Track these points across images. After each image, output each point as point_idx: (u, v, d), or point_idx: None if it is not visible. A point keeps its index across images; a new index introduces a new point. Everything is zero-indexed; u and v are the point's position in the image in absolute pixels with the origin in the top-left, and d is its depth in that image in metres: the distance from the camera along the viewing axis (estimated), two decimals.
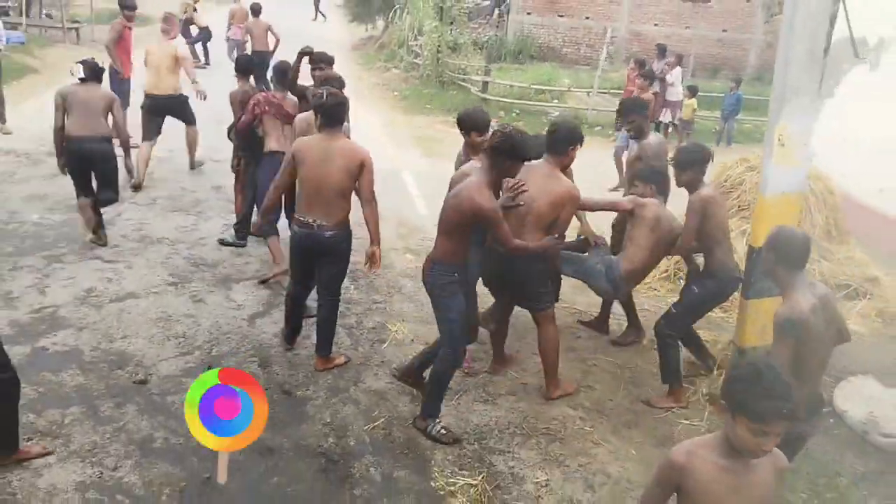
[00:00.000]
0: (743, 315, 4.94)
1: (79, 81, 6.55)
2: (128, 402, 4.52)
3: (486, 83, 15.25)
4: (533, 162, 4.60)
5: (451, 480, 4.08)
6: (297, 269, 5.07)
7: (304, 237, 4.80)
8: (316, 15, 27.91)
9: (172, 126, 8.98)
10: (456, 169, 5.11)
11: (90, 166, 6.58)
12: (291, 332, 5.27)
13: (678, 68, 14.49)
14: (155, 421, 4.37)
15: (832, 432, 4.79)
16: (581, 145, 4.86)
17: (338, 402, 4.74)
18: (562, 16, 23.67)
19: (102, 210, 6.83)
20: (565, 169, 4.87)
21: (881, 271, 6.93)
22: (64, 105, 6.42)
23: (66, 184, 6.91)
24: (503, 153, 4.05)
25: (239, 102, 6.68)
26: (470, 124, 5.09)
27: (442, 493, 4.00)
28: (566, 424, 4.71)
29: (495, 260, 4.61)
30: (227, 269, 6.60)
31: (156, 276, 6.31)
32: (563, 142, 4.76)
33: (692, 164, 4.85)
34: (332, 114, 4.74)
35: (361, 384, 4.98)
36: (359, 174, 4.70)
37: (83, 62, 6.61)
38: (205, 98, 8.79)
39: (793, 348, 3.21)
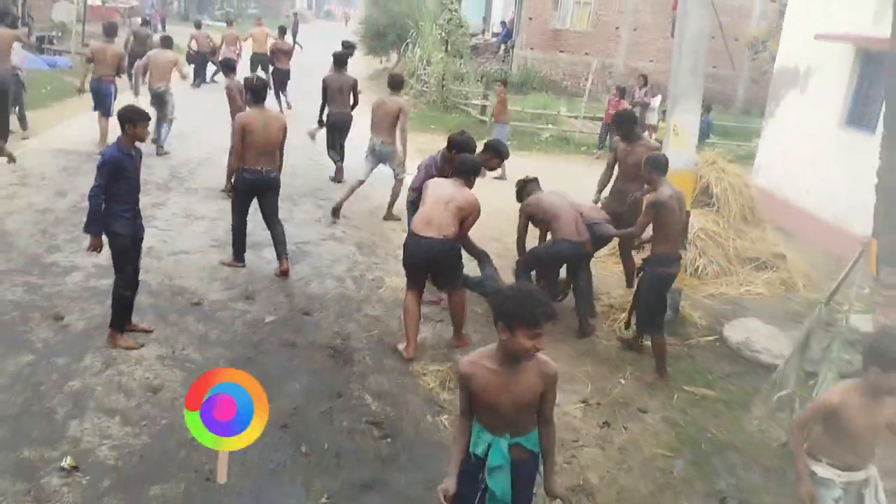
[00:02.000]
0: None
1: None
2: (187, 315, 6.14)
3: (484, 107, 17.00)
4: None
5: (425, 367, 5.63)
6: (242, 208, 7.22)
7: (256, 180, 7.02)
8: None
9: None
10: (418, 169, 6.76)
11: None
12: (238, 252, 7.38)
13: (658, 97, 16.20)
14: (208, 325, 5.98)
15: (715, 349, 6.34)
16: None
17: (343, 321, 6.32)
18: (562, 51, 25.53)
19: None
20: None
21: (792, 251, 8.46)
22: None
23: None
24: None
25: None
26: (457, 145, 6.43)
27: (416, 375, 5.55)
28: None
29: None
30: (260, 236, 8.22)
31: (201, 240, 7.95)
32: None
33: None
34: (258, 93, 7.13)
35: (361, 312, 6.57)
36: (284, 135, 7.14)
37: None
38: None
39: (653, 220, 5.36)
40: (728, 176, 8.23)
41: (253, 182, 7.07)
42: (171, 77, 11.68)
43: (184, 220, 8.56)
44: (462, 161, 5.90)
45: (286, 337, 5.92)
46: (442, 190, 5.76)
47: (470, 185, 5.81)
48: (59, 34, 22.87)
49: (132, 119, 5.35)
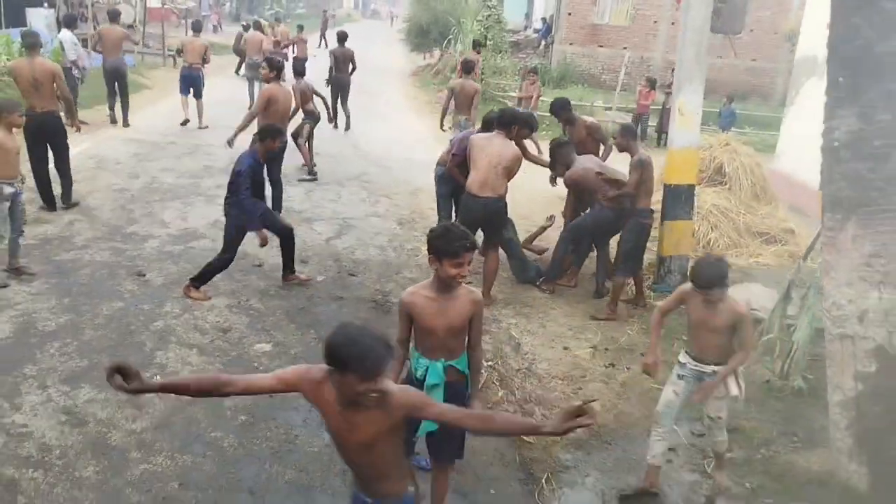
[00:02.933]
0: (662, 232, 7.23)
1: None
2: (251, 274, 7.06)
3: (520, 99, 17.71)
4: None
5: None
6: None
7: None
8: (320, 43, 30.72)
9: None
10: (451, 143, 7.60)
11: None
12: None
13: None
14: (268, 282, 6.89)
15: None
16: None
17: (384, 281, 7.18)
18: (601, 46, 26.06)
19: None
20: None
21: (804, 227, 9.04)
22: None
23: (189, 161, 9.59)
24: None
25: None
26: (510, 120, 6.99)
27: None
28: (537, 301, 7.04)
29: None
30: (310, 213, 9.15)
31: None
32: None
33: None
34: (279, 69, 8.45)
35: (400, 275, 7.42)
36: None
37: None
38: None
39: (641, 175, 6.09)
40: (740, 157, 8.87)
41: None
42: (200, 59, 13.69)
43: None
44: (502, 112, 6.86)
45: (334, 292, 6.80)
46: (490, 150, 6.49)
47: (511, 136, 6.62)
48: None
49: (273, 135, 6.47)
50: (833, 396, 4.28)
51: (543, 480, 4.41)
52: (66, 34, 12.47)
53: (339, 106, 14.32)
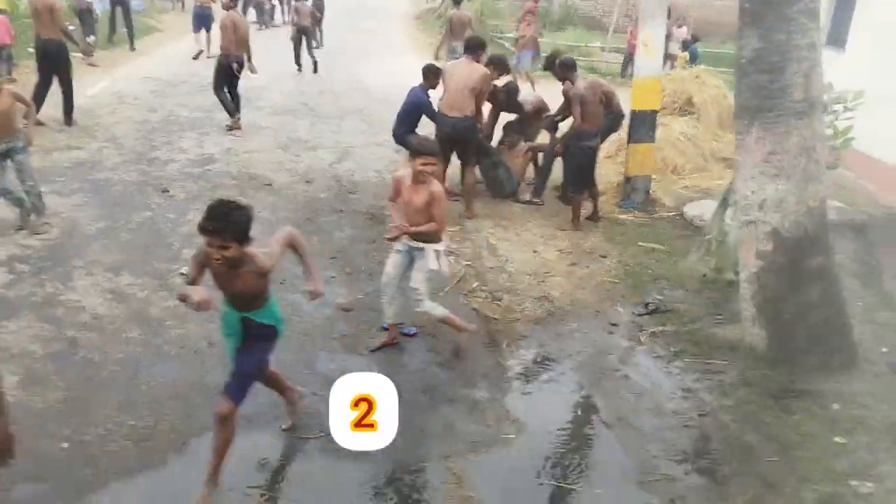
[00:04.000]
0: (627, 154, 8.08)
1: None
2: (261, 192, 7.98)
3: (517, 39, 18.33)
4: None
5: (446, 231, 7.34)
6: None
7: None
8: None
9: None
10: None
11: None
12: None
13: (684, 27, 17.29)
14: (277, 198, 7.81)
15: (674, 221, 7.90)
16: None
17: (379, 198, 8.00)
18: None
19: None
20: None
21: None
22: None
23: (201, 97, 10.44)
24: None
25: None
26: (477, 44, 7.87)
27: None
28: (514, 215, 7.93)
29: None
30: (314, 142, 10.01)
31: (267, 143, 9.77)
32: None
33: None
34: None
35: None
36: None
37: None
38: None
39: (580, 105, 6.80)
40: (709, 88, 9.63)
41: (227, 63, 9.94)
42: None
43: (255, 129, 10.39)
44: (468, 40, 7.74)
45: (335, 206, 7.73)
46: (458, 76, 7.33)
47: (478, 59, 7.46)
48: None
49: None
50: (742, 274, 5.21)
51: (504, 345, 5.37)
52: None
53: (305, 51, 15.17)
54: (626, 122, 8.20)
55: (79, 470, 3.78)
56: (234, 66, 9.89)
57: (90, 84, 12.01)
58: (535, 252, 7.02)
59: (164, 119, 10.48)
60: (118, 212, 7.07)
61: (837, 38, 10.41)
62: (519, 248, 7.08)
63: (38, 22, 9.20)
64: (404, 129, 7.73)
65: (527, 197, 8.21)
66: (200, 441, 4.01)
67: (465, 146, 7.57)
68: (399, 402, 3.48)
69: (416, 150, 4.86)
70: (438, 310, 5.09)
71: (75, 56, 10.46)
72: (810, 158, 4.77)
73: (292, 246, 3.86)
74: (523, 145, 8.51)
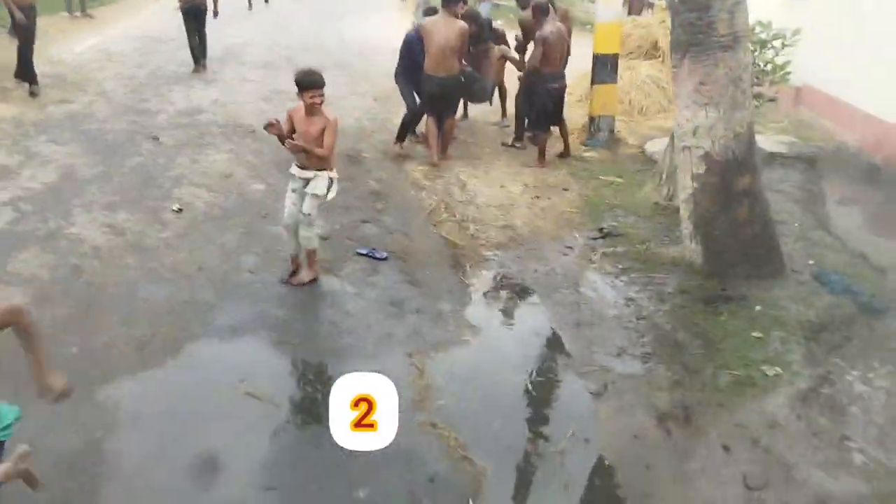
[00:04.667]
0: (591, 95, 8.56)
1: None
2: (246, 138, 8.46)
3: None
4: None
5: (415, 168, 7.87)
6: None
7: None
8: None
9: None
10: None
11: None
12: None
13: None
14: (260, 144, 8.27)
15: (636, 157, 8.43)
16: None
17: (358, 142, 8.57)
18: None
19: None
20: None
21: None
22: None
23: (185, 53, 10.90)
24: None
25: None
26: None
27: (407, 172, 7.79)
28: (485, 155, 8.44)
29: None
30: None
31: (252, 95, 10.22)
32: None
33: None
34: None
35: (372, 138, 8.81)
36: None
37: None
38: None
39: (543, 48, 7.11)
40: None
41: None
42: None
43: (240, 82, 10.83)
44: None
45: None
46: (439, 35, 7.63)
47: (456, 14, 7.72)
48: None
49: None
50: (681, 195, 5.75)
51: (468, 266, 5.93)
52: None
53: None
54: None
55: (88, 370, 4.34)
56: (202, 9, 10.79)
57: (80, 41, 12.39)
58: (501, 187, 7.54)
59: (152, 73, 10.92)
60: (110, 158, 7.56)
61: None
62: (487, 184, 7.61)
63: None
64: (399, 68, 8.31)
65: (508, 142, 8.72)
66: (193, 346, 4.59)
67: (451, 102, 8.04)
68: (370, 312, 3.97)
69: (301, 84, 4.92)
70: (314, 242, 5.38)
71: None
72: (737, 88, 5.27)
73: (14, 324, 2.61)
74: (496, 51, 8.86)
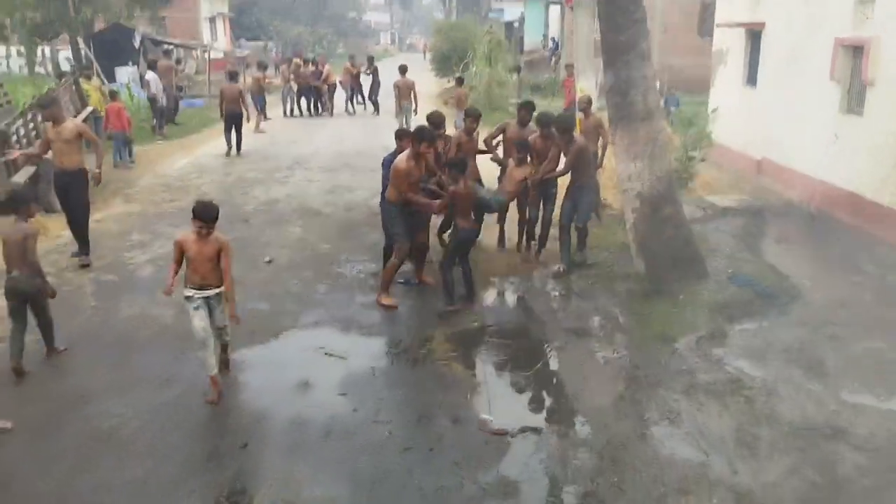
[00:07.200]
0: None
1: None
2: (315, 218, 11.01)
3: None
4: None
5: None
6: None
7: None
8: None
9: None
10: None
11: None
12: None
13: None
14: (326, 220, 10.79)
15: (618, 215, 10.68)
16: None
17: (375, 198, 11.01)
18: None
19: None
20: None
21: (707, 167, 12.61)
22: None
23: (262, 163, 13.71)
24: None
25: None
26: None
27: None
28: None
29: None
30: (353, 187, 13.10)
31: (318, 190, 12.89)
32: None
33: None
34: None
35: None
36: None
37: None
38: None
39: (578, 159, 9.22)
40: None
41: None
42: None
43: (308, 182, 13.58)
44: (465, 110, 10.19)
45: (368, 223, 10.69)
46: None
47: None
48: (189, 84, 28.96)
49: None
50: (627, 223, 7.99)
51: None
52: (150, 75, 18.38)
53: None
54: None
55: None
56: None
57: (176, 161, 15.47)
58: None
59: (238, 178, 13.76)
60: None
61: (750, 78, 13.32)
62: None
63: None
64: None
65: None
66: (288, 332, 6.95)
67: None
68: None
69: (194, 213, 5.38)
70: (228, 334, 5.90)
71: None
72: (655, 145, 7.60)
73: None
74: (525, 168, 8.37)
